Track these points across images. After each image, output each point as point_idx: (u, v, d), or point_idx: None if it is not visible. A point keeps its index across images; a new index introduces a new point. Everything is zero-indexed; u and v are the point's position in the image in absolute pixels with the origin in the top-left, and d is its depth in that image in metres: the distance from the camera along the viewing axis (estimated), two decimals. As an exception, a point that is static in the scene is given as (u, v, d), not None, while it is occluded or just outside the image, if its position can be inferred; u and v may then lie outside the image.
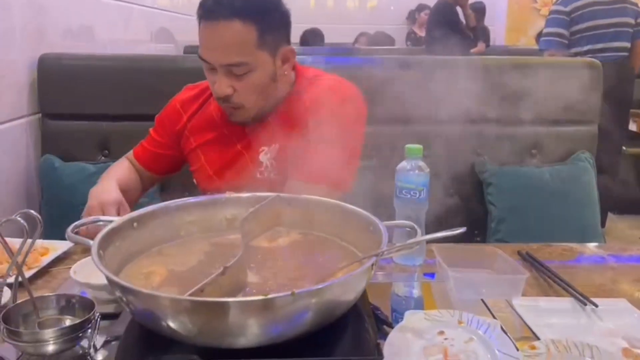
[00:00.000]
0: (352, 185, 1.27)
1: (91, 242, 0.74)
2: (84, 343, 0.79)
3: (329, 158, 1.23)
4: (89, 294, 0.94)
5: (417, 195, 1.10)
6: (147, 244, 0.85)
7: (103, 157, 1.92)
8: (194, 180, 1.39)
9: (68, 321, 0.82)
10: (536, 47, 5.18)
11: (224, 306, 0.60)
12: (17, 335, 0.75)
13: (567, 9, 3.12)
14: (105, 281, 0.92)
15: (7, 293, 0.96)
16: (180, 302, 0.60)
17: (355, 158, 1.27)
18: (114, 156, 1.90)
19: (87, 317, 0.78)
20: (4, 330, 0.76)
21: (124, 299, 0.67)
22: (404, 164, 1.12)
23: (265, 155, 1.28)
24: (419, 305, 1.03)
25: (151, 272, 0.75)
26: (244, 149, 1.30)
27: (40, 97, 1.89)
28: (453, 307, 0.95)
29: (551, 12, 3.24)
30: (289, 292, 0.60)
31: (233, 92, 1.18)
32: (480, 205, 1.92)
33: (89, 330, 0.79)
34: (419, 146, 1.12)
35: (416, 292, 1.07)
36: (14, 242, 1.13)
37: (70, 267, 1.12)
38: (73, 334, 0.76)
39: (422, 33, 6.22)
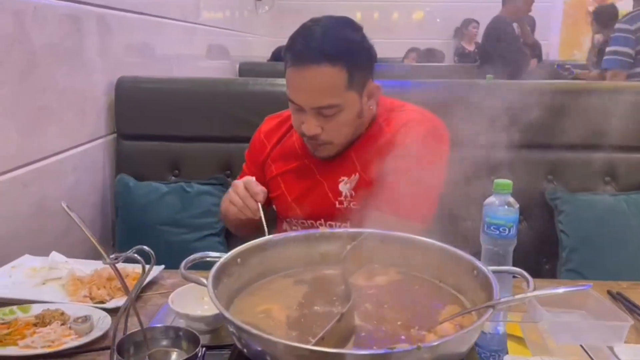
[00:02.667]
0: (432, 219, 1.26)
1: (205, 281, 0.76)
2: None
3: (410, 191, 1.23)
4: (185, 324, 0.96)
5: (507, 232, 1.08)
6: (250, 279, 0.87)
7: (173, 177, 1.97)
8: (274, 207, 1.41)
9: (175, 354, 0.84)
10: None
11: (349, 358, 0.61)
12: (130, 368, 0.78)
13: (633, 27, 3.04)
14: (204, 313, 0.96)
15: (107, 319, 1.00)
16: (309, 352, 0.61)
17: (436, 191, 1.26)
18: (184, 176, 1.96)
19: (195, 351, 0.80)
20: (118, 361, 0.79)
21: (242, 340, 0.69)
22: (492, 199, 1.10)
23: (345, 185, 1.29)
24: (502, 343, 1.01)
25: (266, 313, 0.77)
26: (323, 178, 1.31)
27: (117, 118, 1.97)
28: (549, 352, 0.94)
29: (616, 30, 3.15)
30: (415, 346, 0.60)
31: (321, 131, 1.19)
32: (550, 233, 1.87)
33: (196, 365, 0.81)
34: (508, 181, 1.10)
35: (501, 329, 1.05)
36: (88, 265, 1.17)
37: (160, 293, 1.17)
38: (182, 369, 0.79)
39: (470, 47, 6.15)
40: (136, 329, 0.83)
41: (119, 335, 0.82)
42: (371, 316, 0.78)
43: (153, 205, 1.85)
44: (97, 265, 1.22)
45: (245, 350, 0.70)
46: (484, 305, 0.70)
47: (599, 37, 4.34)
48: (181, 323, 0.97)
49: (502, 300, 0.69)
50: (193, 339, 0.83)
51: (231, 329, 0.70)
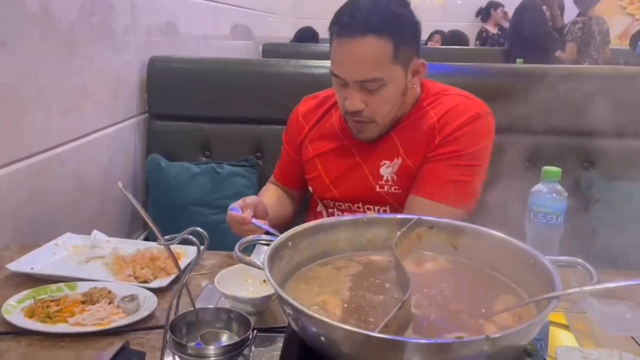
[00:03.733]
0: (475, 205, 1.24)
1: (261, 264, 0.76)
2: (241, 359, 0.82)
3: (453, 177, 1.22)
4: (229, 305, 0.97)
5: (554, 220, 1.07)
6: (300, 263, 0.87)
7: (204, 158, 1.97)
8: (310, 189, 1.41)
9: (226, 336, 0.84)
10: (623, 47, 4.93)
11: (415, 346, 0.60)
12: (183, 348, 0.78)
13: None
14: (250, 295, 0.96)
15: (152, 299, 1.00)
16: (372, 339, 0.60)
17: (481, 179, 1.24)
18: (215, 157, 1.96)
19: (246, 334, 0.81)
20: (171, 341, 0.79)
21: (299, 322, 0.68)
22: (540, 187, 1.09)
23: (386, 169, 1.27)
24: (545, 332, 1.00)
25: (324, 302, 0.76)
26: (363, 161, 1.29)
27: (149, 97, 1.97)
28: (598, 342, 0.92)
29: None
30: (484, 337, 0.60)
31: (365, 107, 1.18)
32: (585, 222, 1.84)
33: (247, 348, 0.81)
34: (557, 169, 1.08)
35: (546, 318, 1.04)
36: (130, 244, 1.18)
37: (200, 274, 1.17)
38: (235, 351, 0.79)
39: (494, 30, 6.04)
40: (187, 310, 0.84)
41: (171, 316, 0.83)
42: (425, 304, 0.77)
43: (184, 186, 1.86)
44: (139, 244, 1.23)
45: (302, 334, 0.70)
46: (548, 296, 0.69)
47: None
48: (225, 304, 0.97)
49: (569, 291, 0.68)
50: (244, 322, 0.83)
51: (288, 310, 0.70)
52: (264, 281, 1.01)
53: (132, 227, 1.92)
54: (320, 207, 1.41)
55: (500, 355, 0.65)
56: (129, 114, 1.90)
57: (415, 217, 0.94)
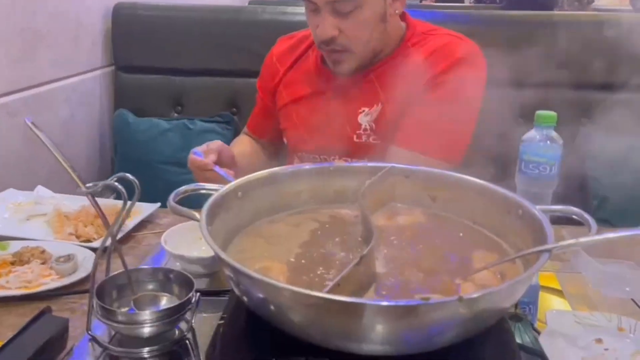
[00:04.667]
0: (462, 157, 1.12)
1: (198, 215, 0.64)
2: (182, 325, 0.71)
3: (439, 125, 1.09)
4: (180, 267, 0.86)
5: (547, 171, 0.94)
6: (252, 216, 0.75)
7: (176, 114, 1.84)
8: (284, 140, 1.28)
9: (165, 299, 0.73)
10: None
11: (374, 309, 0.49)
12: (112, 315, 0.67)
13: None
14: (201, 254, 0.85)
15: (90, 258, 0.89)
16: (322, 301, 0.49)
17: (470, 127, 1.12)
18: (187, 112, 1.82)
19: (187, 297, 0.69)
20: (98, 307, 0.68)
21: (241, 286, 0.57)
22: (532, 134, 0.96)
23: (365, 117, 1.14)
24: (535, 295, 0.89)
25: (271, 263, 0.65)
26: (340, 108, 1.16)
27: (115, 48, 1.82)
28: (594, 306, 0.82)
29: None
30: (456, 297, 0.48)
31: (338, 33, 1.04)
32: (579, 179, 1.73)
33: (189, 312, 0.70)
34: (552, 113, 0.96)
35: (534, 279, 0.93)
36: (76, 200, 1.05)
37: (155, 233, 1.06)
38: (173, 317, 0.68)
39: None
40: (119, 271, 0.72)
41: (101, 278, 0.71)
42: (394, 262, 0.65)
43: (153, 143, 1.73)
44: (85, 201, 1.11)
45: (245, 298, 0.59)
46: (537, 250, 0.57)
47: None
48: (177, 266, 0.86)
49: (563, 243, 0.56)
50: (186, 283, 0.72)
51: (227, 272, 0.59)
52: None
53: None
54: (296, 161, 1.28)
55: (479, 320, 0.54)
56: (93, 66, 1.75)
57: (389, 165, 0.82)
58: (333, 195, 0.82)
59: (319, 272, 0.63)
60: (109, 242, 0.70)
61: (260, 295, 0.55)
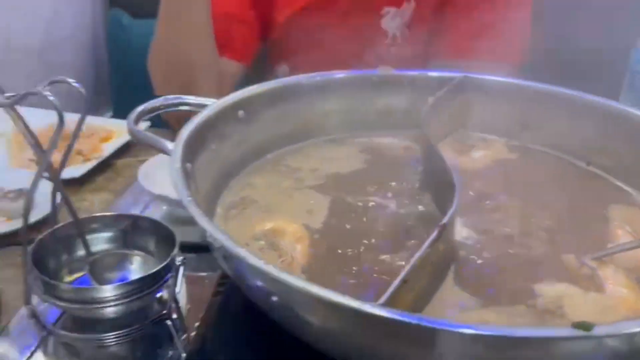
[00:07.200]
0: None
1: (168, 145, 0.41)
2: (163, 294, 0.49)
3: (490, 18, 0.81)
4: (166, 210, 0.64)
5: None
6: (257, 147, 0.51)
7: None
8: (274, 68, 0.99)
9: (136, 262, 0.51)
10: None
11: (463, 340, 0.26)
12: (55, 290, 0.45)
13: None
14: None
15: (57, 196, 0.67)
16: (369, 317, 0.26)
17: (527, 12, 0.84)
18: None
19: (166, 262, 0.47)
20: (38, 280, 0.46)
21: (237, 273, 0.34)
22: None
23: (392, 21, 0.86)
24: None
25: (282, 229, 0.41)
26: (357, 12, 0.87)
27: None
28: None
29: None
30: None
31: None
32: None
33: (169, 281, 0.48)
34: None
35: None
36: (49, 116, 0.82)
37: (141, 160, 0.82)
38: (146, 290, 0.46)
39: None
40: (66, 222, 0.50)
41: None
42: (476, 228, 0.41)
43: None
44: (55, 117, 0.88)
45: (243, 288, 0.36)
46: None
47: None
48: (162, 209, 0.64)
49: None
50: (166, 239, 0.50)
51: (217, 246, 0.36)
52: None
53: (94, 102, 1.56)
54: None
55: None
56: (78, -47, 1.46)
57: (459, 74, 0.56)
58: (373, 118, 0.58)
59: (355, 254, 0.39)
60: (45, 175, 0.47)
61: (274, 299, 0.32)
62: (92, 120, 0.88)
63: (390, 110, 0.58)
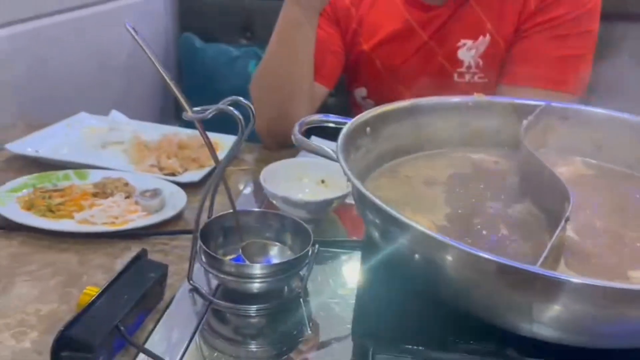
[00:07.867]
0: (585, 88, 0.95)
1: (331, 152, 0.52)
2: (295, 281, 0.60)
3: (561, 51, 0.92)
4: (280, 209, 0.75)
5: None
6: (380, 157, 0.62)
7: (245, 40, 1.69)
8: (355, 93, 1.11)
9: (276, 250, 0.62)
10: None
11: (594, 292, 0.36)
12: (219, 264, 0.57)
13: None
14: (305, 197, 0.73)
15: (180, 195, 0.79)
16: (531, 276, 0.36)
17: (592, 48, 0.94)
18: (258, 39, 1.67)
19: (305, 250, 0.58)
20: (203, 252, 0.58)
21: (389, 234, 0.45)
22: None
23: (468, 52, 0.97)
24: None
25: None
26: (434, 42, 0.98)
27: (181, -35, 1.67)
28: None
29: None
30: None
31: None
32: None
33: (306, 267, 0.59)
34: None
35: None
36: (154, 128, 0.94)
37: (241, 169, 0.95)
38: (288, 272, 0.57)
39: None
40: (226, 212, 0.61)
41: (203, 218, 0.61)
42: (578, 226, 0.52)
43: (222, 71, 1.60)
44: (166, 129, 1.00)
45: (391, 252, 0.47)
46: None
47: None
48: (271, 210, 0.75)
49: None
50: (301, 232, 0.61)
51: (371, 216, 0.47)
52: (323, 181, 0.78)
53: (165, 115, 1.70)
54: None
55: None
56: (157, -17, 1.61)
57: (542, 103, 0.67)
58: (469, 135, 0.69)
59: (482, 232, 0.50)
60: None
61: (419, 249, 0.43)
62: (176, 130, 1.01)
63: (480, 131, 0.69)
